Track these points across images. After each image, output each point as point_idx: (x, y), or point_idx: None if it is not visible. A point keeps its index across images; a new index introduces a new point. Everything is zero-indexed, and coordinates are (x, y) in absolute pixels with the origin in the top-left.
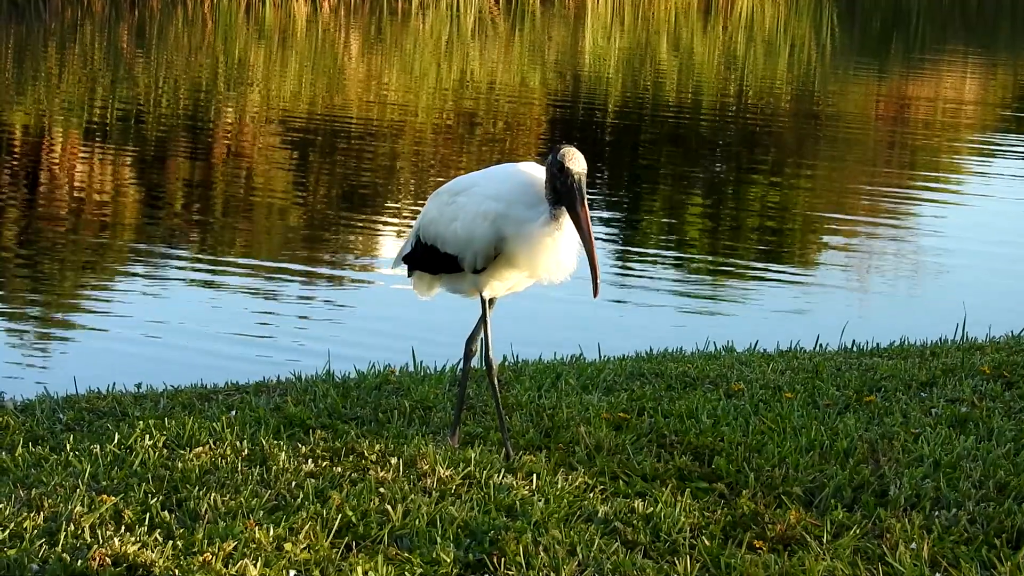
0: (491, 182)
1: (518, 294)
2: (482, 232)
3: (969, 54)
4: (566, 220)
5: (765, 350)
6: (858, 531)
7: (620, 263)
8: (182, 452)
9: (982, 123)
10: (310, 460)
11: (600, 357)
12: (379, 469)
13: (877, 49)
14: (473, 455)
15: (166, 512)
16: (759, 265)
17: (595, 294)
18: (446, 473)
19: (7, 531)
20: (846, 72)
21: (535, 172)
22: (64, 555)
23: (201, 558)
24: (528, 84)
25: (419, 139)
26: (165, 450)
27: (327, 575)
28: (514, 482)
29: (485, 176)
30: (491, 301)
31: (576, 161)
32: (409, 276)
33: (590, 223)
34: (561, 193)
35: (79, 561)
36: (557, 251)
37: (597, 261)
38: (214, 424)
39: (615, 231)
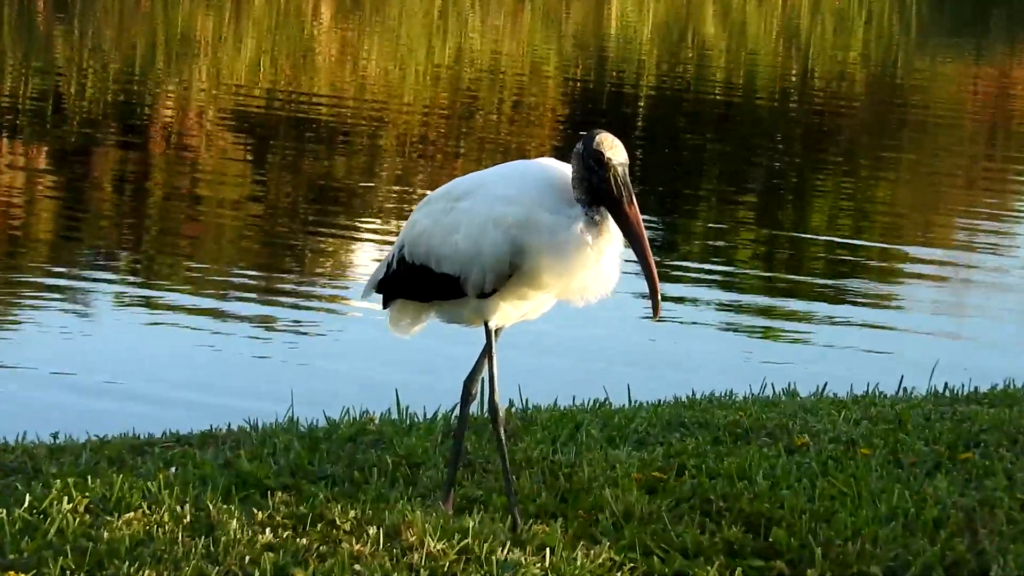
0: (503, 182)
1: (530, 322)
2: (494, 243)
3: None
4: (609, 224)
5: (835, 394)
6: None
7: None
8: (109, 519)
9: None
10: (268, 529)
11: (630, 402)
12: (354, 541)
13: (972, 23)
14: (471, 524)
15: None
16: (827, 288)
17: (656, 313)
18: (438, 547)
19: None
20: (935, 50)
21: (558, 168)
22: None
23: None
24: (541, 63)
25: (406, 131)
26: (88, 516)
27: None
28: (522, 558)
29: (494, 175)
30: (497, 331)
31: (617, 150)
32: (385, 308)
33: (642, 225)
34: (601, 191)
35: None
36: (599, 263)
37: (655, 272)
38: (149, 484)
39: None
